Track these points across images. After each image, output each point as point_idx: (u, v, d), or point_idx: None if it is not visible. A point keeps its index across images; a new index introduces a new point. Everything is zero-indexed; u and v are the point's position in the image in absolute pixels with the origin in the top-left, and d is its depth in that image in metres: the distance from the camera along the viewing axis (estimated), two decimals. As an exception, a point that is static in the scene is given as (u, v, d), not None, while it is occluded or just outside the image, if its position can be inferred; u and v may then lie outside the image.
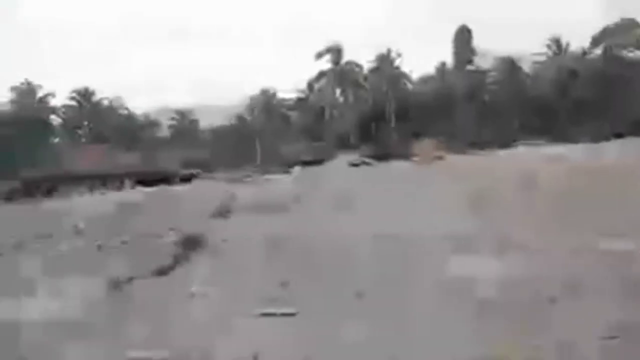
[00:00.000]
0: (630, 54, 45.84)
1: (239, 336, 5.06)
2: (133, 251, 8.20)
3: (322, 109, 49.53)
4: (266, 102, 52.00)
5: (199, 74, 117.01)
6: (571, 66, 46.23)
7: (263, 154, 45.98)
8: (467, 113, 45.32)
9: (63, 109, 50.14)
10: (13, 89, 47.92)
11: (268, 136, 48.07)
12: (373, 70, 50.38)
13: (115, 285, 6.86)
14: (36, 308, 6.02)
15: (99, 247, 8.81)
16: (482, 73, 49.46)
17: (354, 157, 33.37)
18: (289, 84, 53.94)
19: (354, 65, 50.16)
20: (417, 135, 38.11)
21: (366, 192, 15.06)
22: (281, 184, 21.81)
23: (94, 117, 50.16)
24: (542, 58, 49.35)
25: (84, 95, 50.43)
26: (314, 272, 7.12)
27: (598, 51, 46.91)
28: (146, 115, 52.94)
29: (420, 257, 7.32)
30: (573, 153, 21.72)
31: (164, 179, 24.89)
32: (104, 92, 51.08)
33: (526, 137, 37.33)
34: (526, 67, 49.89)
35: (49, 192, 20.13)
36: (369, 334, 4.85)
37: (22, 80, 48.19)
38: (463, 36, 47.59)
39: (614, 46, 45.35)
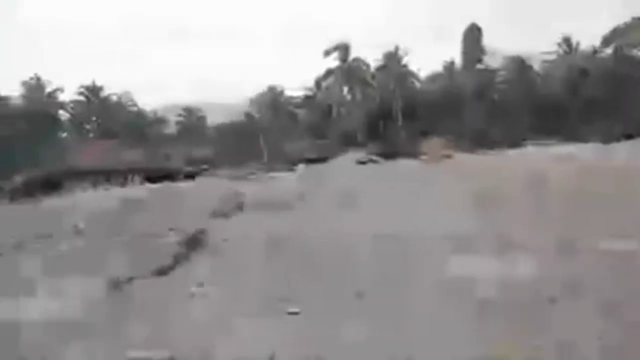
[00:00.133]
0: (641, 54, 45.43)
1: (239, 336, 5.06)
2: (133, 251, 8.17)
3: (330, 107, 49.42)
4: (273, 100, 52.03)
5: (200, 74, 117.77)
6: (582, 65, 45.81)
7: (268, 151, 45.97)
8: (476, 112, 45.00)
9: (71, 104, 50.39)
10: (23, 83, 48.27)
11: (273, 133, 48.01)
12: (380, 68, 50.12)
13: (115, 285, 6.85)
14: (36, 308, 6.01)
15: (99, 246, 8.77)
16: (492, 72, 49.03)
17: (361, 154, 33.24)
18: (289, 84, 54.14)
19: (361, 63, 49.92)
20: (425, 133, 37.98)
21: (372, 190, 14.98)
22: (285, 181, 21.76)
23: (102, 113, 50.33)
24: (552, 57, 48.95)
25: (92, 90, 50.59)
26: (315, 272, 7.10)
27: (609, 50, 46.46)
28: (154, 112, 53.16)
29: (423, 257, 7.30)
30: (583, 153, 21.62)
31: (168, 175, 24.92)
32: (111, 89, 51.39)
33: (535, 137, 36.98)
34: (536, 66, 49.50)
35: (53, 188, 20.16)
36: (370, 333, 4.87)
37: (32, 75, 48.57)
38: (473, 35, 47.14)
39: (625, 46, 44.90)
